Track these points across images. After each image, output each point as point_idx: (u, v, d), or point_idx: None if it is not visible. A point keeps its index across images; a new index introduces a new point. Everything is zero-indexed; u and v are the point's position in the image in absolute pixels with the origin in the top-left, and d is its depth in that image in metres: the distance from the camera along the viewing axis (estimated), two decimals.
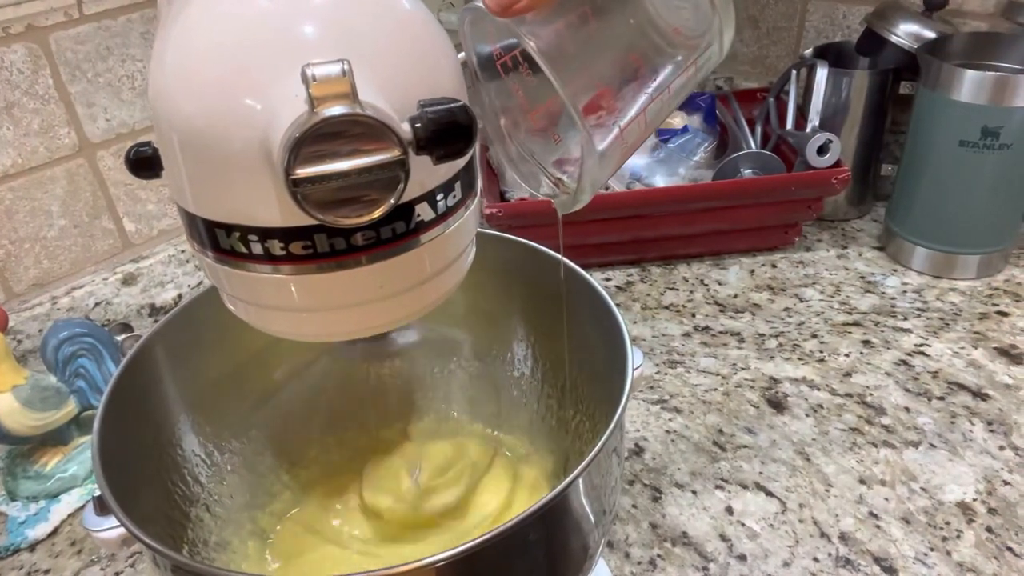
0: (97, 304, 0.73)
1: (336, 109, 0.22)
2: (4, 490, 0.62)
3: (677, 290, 0.81)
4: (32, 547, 0.58)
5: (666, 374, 0.70)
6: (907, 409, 0.64)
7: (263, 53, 0.25)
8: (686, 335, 0.74)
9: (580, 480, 0.32)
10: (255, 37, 0.25)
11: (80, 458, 0.63)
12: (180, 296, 0.78)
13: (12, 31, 0.62)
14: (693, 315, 0.77)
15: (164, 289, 0.77)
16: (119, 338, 0.66)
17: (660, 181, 0.83)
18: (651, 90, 0.31)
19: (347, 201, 0.23)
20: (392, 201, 0.23)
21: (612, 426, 0.32)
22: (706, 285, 0.81)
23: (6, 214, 0.67)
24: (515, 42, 0.29)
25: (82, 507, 0.61)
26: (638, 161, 0.84)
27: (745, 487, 0.58)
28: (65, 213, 0.70)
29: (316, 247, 0.26)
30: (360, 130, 0.22)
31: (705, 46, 0.30)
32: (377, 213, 0.23)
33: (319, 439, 0.51)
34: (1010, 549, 0.52)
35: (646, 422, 0.65)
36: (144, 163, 0.32)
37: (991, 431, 0.61)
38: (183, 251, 0.78)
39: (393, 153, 0.23)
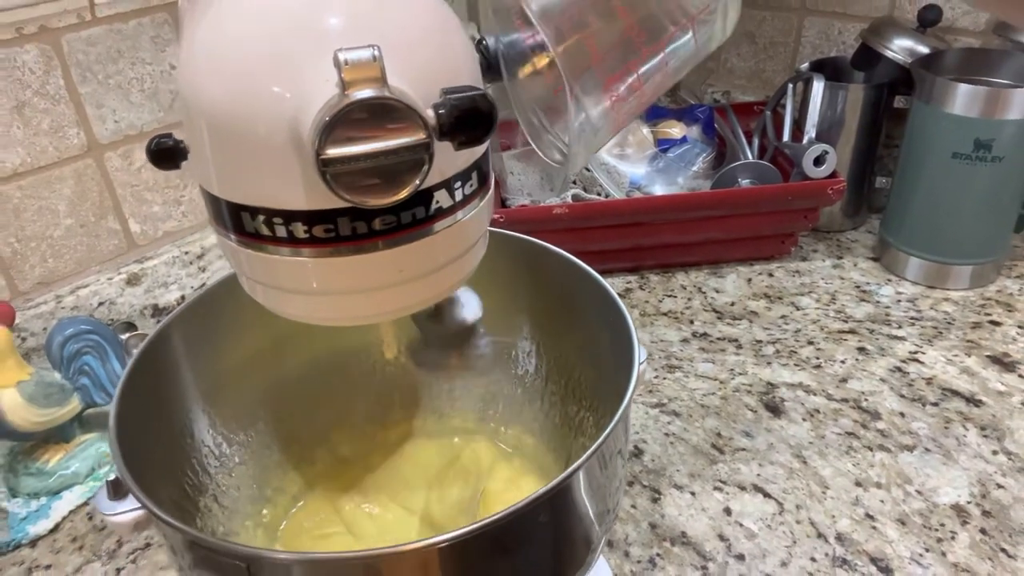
0: (101, 304, 0.73)
1: (366, 92, 0.23)
2: (5, 486, 0.62)
3: (675, 297, 0.82)
4: (33, 543, 0.58)
5: (665, 378, 0.71)
6: (902, 414, 0.65)
7: (293, 41, 0.26)
8: (684, 341, 0.75)
9: (592, 462, 0.33)
10: (285, 26, 0.26)
11: (82, 455, 0.64)
12: (183, 297, 0.79)
13: (25, 32, 0.63)
14: (691, 322, 0.78)
15: (168, 290, 0.78)
16: (123, 336, 0.66)
17: (659, 190, 0.85)
18: (647, 69, 0.32)
19: (373, 183, 0.24)
20: (417, 183, 0.24)
21: (625, 403, 0.33)
22: (704, 293, 0.82)
23: (14, 212, 0.68)
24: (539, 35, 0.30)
25: (83, 504, 0.61)
26: (637, 170, 0.86)
27: (743, 488, 0.59)
28: (72, 212, 0.71)
29: (339, 230, 0.27)
30: (388, 113, 0.23)
31: (709, 27, 0.31)
32: (403, 194, 0.24)
33: (325, 434, 0.52)
34: (1004, 550, 0.53)
35: (645, 425, 0.65)
36: (165, 154, 0.32)
37: (984, 436, 0.62)
38: (187, 252, 0.79)
39: (419, 136, 0.24)
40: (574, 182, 0.86)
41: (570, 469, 0.32)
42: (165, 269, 0.77)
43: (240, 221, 0.28)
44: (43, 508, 0.61)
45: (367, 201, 0.24)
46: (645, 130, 0.88)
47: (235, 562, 0.28)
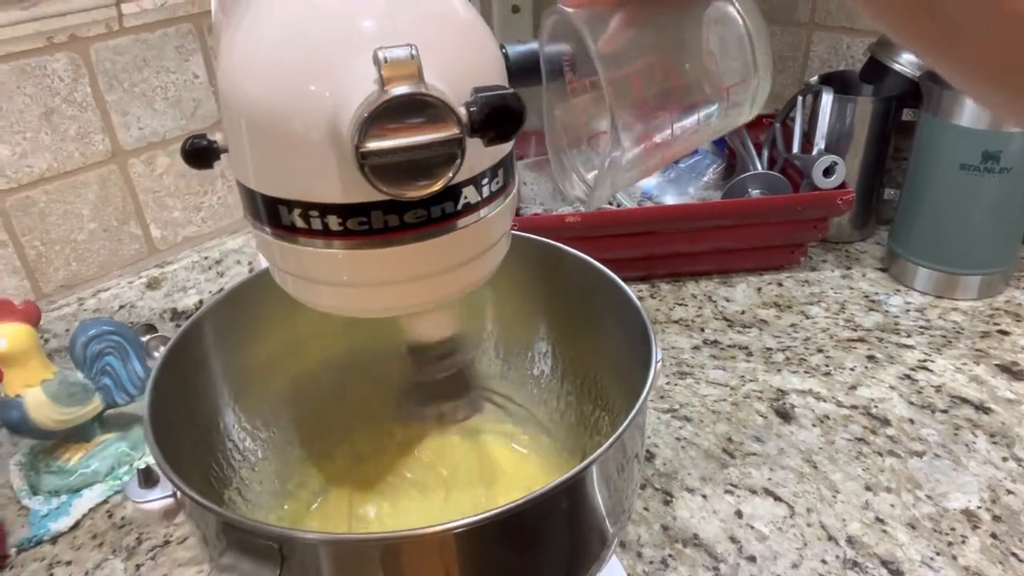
0: (122, 307, 0.75)
1: (405, 88, 0.24)
2: (27, 484, 0.63)
3: (686, 306, 0.83)
4: (54, 540, 0.59)
5: (676, 385, 0.71)
6: (911, 421, 0.65)
7: (332, 43, 0.27)
8: (695, 348, 0.76)
9: (610, 458, 0.34)
10: (324, 29, 0.28)
11: (102, 455, 0.65)
12: (201, 302, 0.80)
13: (56, 40, 0.65)
14: (702, 329, 0.79)
15: (186, 294, 0.79)
16: (145, 339, 0.68)
17: (670, 200, 0.86)
18: (680, 126, 0.34)
19: (409, 175, 0.25)
20: (450, 175, 0.26)
21: (643, 397, 0.34)
22: (714, 301, 0.83)
23: (40, 216, 0.69)
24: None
25: (103, 502, 0.62)
26: (649, 180, 0.87)
27: (754, 492, 0.59)
28: (95, 217, 0.73)
29: (371, 223, 0.29)
30: (424, 109, 0.24)
31: (739, 102, 0.33)
32: (436, 186, 0.26)
33: (345, 432, 0.53)
34: (1015, 555, 0.53)
35: (657, 430, 0.66)
36: (199, 154, 0.34)
37: (994, 443, 0.63)
38: (206, 258, 0.80)
39: (452, 131, 0.25)
40: None
41: (589, 459, 0.33)
42: (184, 274, 0.79)
43: (277, 214, 0.30)
44: (63, 506, 0.62)
45: (403, 193, 0.25)
46: None
47: (268, 543, 0.29)
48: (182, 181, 0.78)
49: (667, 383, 0.72)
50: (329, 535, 0.30)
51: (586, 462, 0.32)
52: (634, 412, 0.34)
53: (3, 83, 0.64)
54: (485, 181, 0.30)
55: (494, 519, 0.31)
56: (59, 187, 0.70)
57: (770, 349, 0.75)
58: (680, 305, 0.83)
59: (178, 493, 0.35)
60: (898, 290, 0.83)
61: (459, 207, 0.30)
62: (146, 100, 0.73)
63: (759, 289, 0.85)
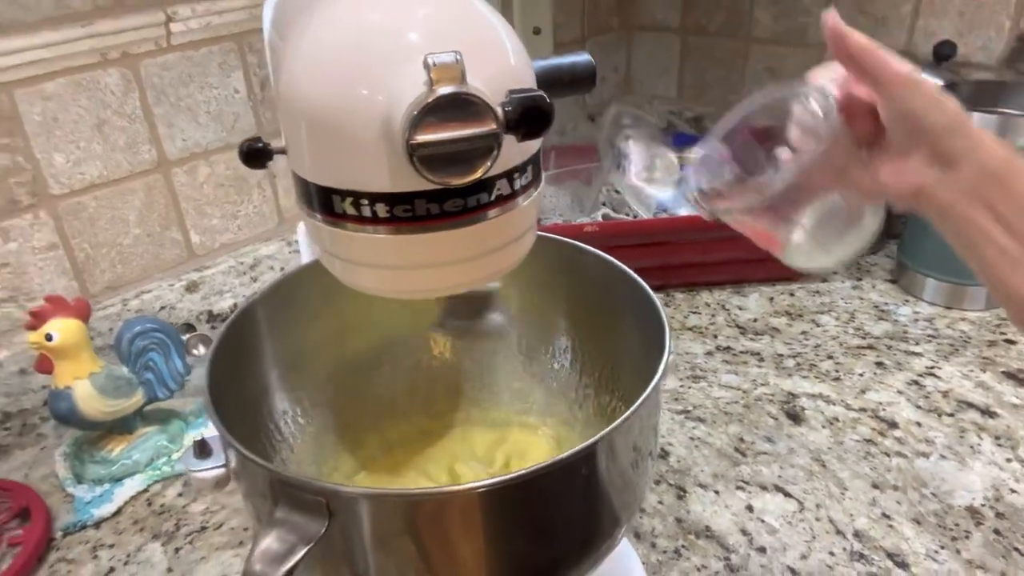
0: (163, 308, 0.79)
1: (450, 88, 0.28)
2: (72, 473, 0.67)
3: (700, 314, 0.86)
4: (97, 525, 0.62)
5: (690, 388, 0.74)
6: (918, 424, 0.68)
7: (385, 53, 0.31)
8: (709, 354, 0.79)
9: (623, 445, 0.37)
10: (378, 41, 0.31)
11: (143, 447, 0.68)
12: (235, 305, 0.84)
13: (109, 57, 0.70)
14: (715, 336, 0.82)
15: (222, 297, 0.83)
16: (185, 337, 0.71)
17: (685, 212, 0.89)
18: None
19: (452, 166, 0.29)
20: (488, 165, 0.29)
21: (658, 376, 0.37)
22: (727, 310, 0.86)
23: (89, 221, 0.74)
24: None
25: (144, 491, 0.66)
26: (664, 193, 0.90)
27: (765, 488, 0.62)
28: (140, 223, 0.77)
29: (415, 211, 0.32)
30: (466, 107, 0.28)
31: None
32: (476, 175, 0.29)
33: (376, 421, 0.56)
34: (1017, 549, 0.55)
35: (671, 429, 0.69)
36: (255, 154, 0.38)
37: (999, 445, 0.65)
38: (241, 263, 0.85)
39: (490, 126, 0.28)
40: (603, 203, 0.91)
41: (606, 430, 0.36)
42: (221, 278, 0.83)
43: (330, 203, 0.33)
44: (106, 493, 0.65)
45: (447, 181, 0.29)
46: (672, 155, 0.93)
47: (316, 498, 0.33)
48: (221, 191, 0.82)
49: (681, 386, 0.74)
50: (369, 489, 0.33)
51: (604, 432, 0.35)
52: (649, 389, 0.37)
53: (60, 96, 0.69)
54: (516, 176, 0.34)
55: (514, 481, 0.34)
56: (108, 194, 0.74)
57: (781, 355, 0.78)
58: (694, 313, 0.86)
59: (231, 462, 0.39)
60: (907, 300, 0.86)
61: (492, 198, 0.33)
62: (190, 113, 0.77)
63: (771, 299, 0.88)
